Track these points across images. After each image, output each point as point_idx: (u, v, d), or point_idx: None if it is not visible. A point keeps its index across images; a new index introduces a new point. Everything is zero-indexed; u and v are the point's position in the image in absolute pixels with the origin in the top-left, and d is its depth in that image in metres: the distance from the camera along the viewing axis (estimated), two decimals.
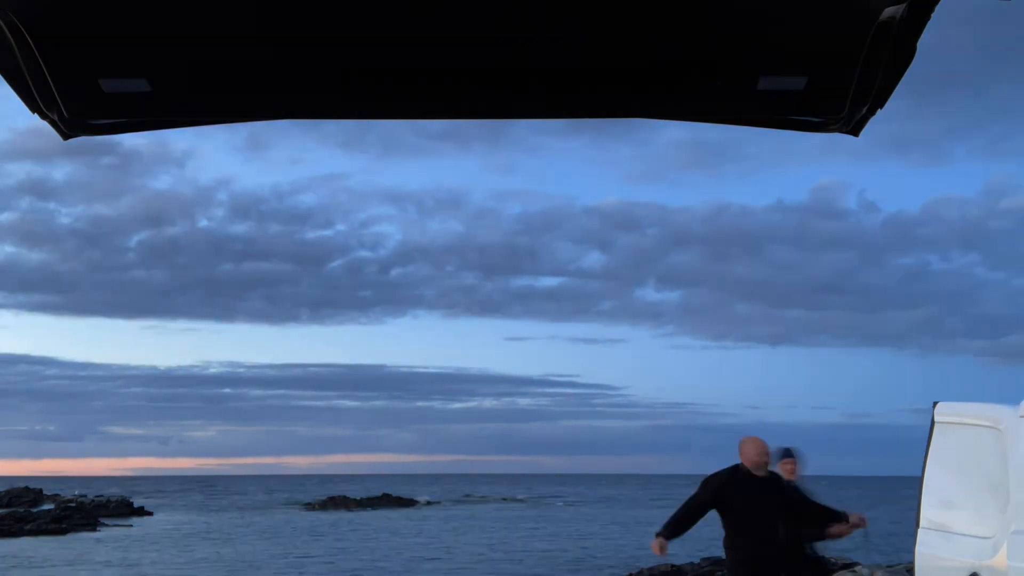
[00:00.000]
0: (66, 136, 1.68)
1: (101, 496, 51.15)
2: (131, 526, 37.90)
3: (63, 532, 33.67)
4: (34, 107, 1.60)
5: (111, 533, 34.16)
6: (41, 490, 52.16)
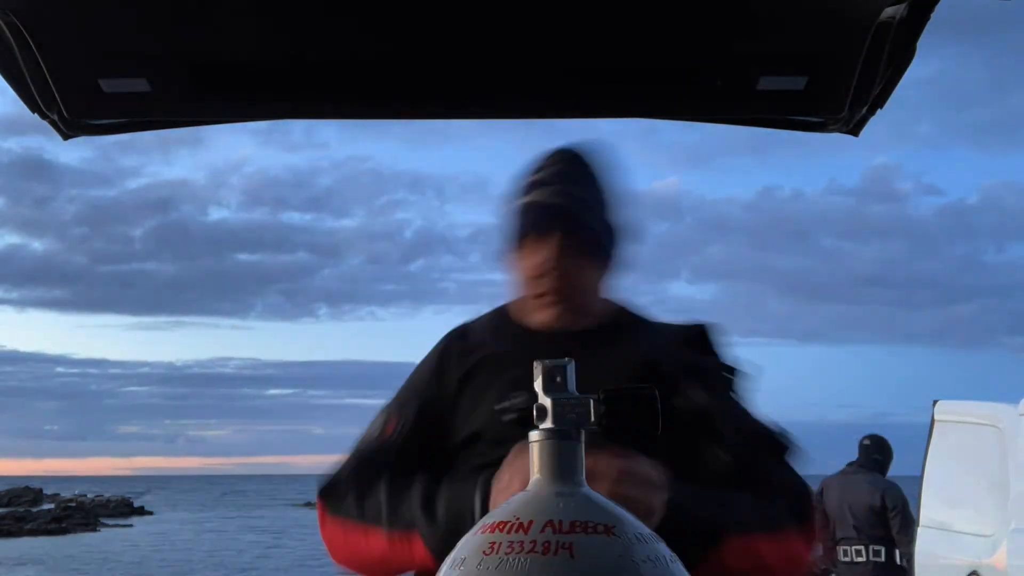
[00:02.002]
0: (66, 136, 1.68)
1: (101, 496, 51.14)
2: (131, 526, 37.90)
3: (63, 532, 33.67)
4: (34, 107, 1.60)
5: (111, 533, 34.15)
6: (41, 489, 52.14)
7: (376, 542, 1.54)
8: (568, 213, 1.61)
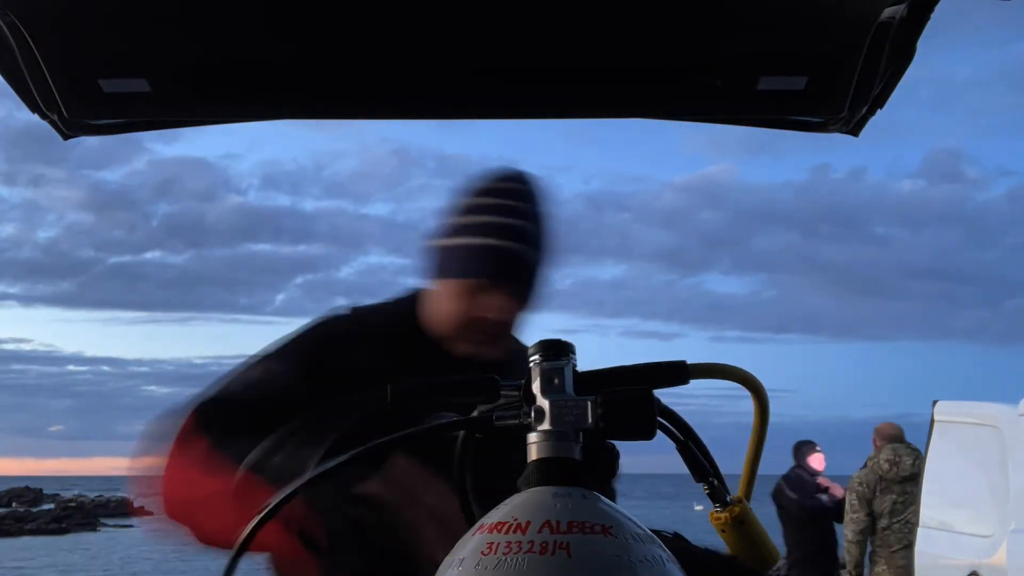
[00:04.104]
0: (66, 136, 1.68)
1: (101, 496, 51.17)
2: (131, 526, 37.91)
3: (63, 532, 33.70)
4: (34, 107, 1.60)
5: (110, 533, 34.16)
6: (41, 489, 52.17)
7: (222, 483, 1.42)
8: (521, 265, 1.63)
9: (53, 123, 1.64)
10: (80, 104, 1.62)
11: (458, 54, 1.59)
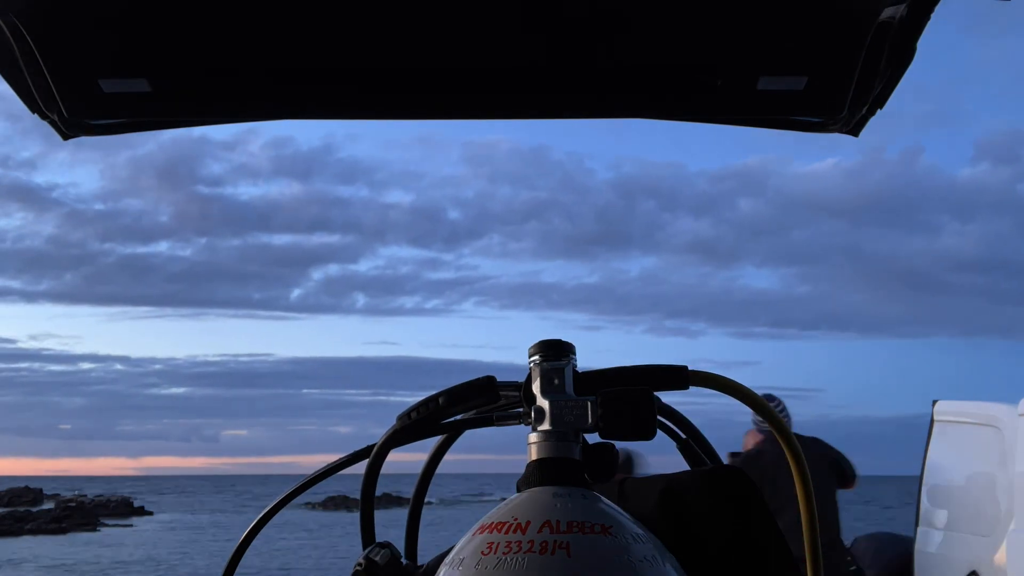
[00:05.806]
0: (66, 136, 1.69)
1: (101, 496, 51.24)
2: (131, 525, 37.93)
3: (63, 532, 33.73)
4: (34, 107, 1.60)
5: (110, 533, 34.17)
6: (41, 489, 52.25)
7: None
8: None
9: (53, 123, 1.65)
10: (80, 104, 1.62)
11: (459, 55, 1.59)
